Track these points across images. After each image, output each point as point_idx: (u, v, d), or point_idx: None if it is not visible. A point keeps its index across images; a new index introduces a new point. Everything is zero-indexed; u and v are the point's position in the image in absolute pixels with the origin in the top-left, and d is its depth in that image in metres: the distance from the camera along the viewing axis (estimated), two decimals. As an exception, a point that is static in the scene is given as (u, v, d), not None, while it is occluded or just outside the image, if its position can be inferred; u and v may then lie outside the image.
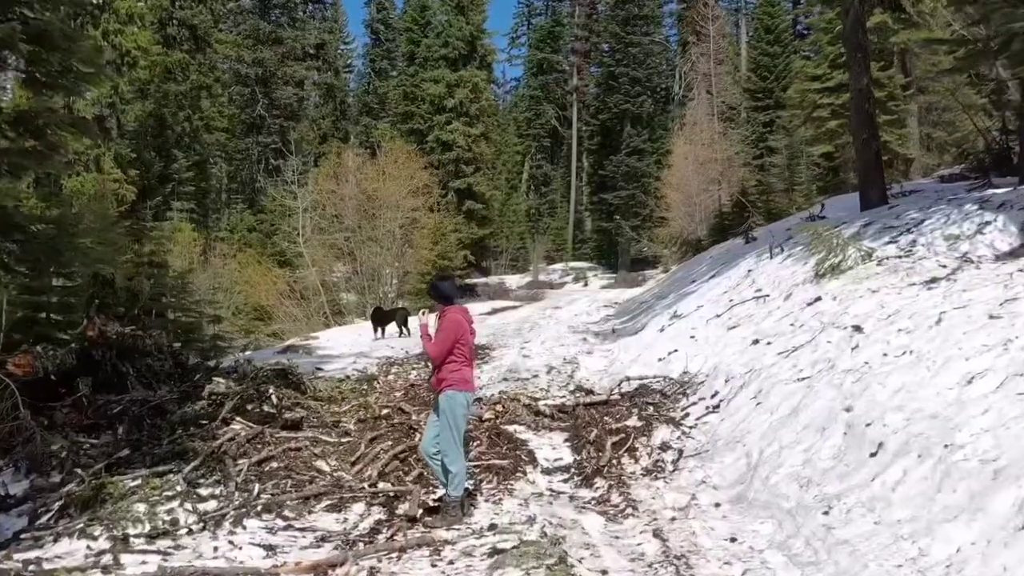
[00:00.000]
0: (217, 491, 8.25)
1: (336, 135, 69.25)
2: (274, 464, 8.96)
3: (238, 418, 10.07)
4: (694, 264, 30.17)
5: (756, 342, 11.85)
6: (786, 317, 12.25)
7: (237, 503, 7.87)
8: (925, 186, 23.86)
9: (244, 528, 7.43)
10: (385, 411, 11.57)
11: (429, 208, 43.87)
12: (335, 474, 8.98)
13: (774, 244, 17.30)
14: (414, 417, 11.08)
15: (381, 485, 8.69)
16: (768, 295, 14.14)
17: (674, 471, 9.08)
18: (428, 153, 51.18)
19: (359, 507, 8.14)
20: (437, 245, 44.40)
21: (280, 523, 7.65)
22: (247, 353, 26.83)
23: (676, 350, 13.89)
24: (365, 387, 14.64)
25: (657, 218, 55.81)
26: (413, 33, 62.44)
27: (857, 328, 9.87)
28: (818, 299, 12.08)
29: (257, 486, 8.23)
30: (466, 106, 55.12)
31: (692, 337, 14.30)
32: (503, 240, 68.55)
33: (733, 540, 6.88)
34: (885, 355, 8.78)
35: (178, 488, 8.19)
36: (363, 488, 8.50)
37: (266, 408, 11.13)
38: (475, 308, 38.13)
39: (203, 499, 8.05)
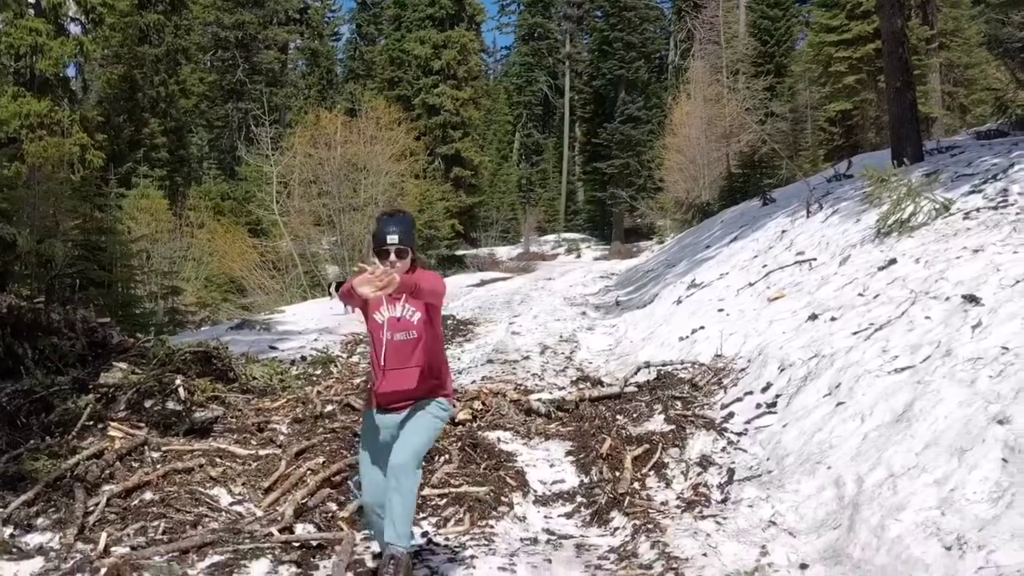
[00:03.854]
0: (51, 540, 5.53)
1: (323, 104, 66.54)
2: (148, 495, 6.20)
3: (114, 423, 7.32)
4: (703, 230, 27.43)
5: (814, 317, 9.11)
6: (850, 285, 9.52)
7: (72, 564, 5.12)
8: (963, 143, 21.22)
9: (66, 612, 4.71)
10: (329, 408, 8.80)
11: (414, 175, 41.23)
12: (235, 509, 6.23)
13: (810, 200, 14.56)
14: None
15: (299, 529, 5.94)
16: (815, 259, 11.43)
17: (725, 502, 6.34)
18: (415, 119, 48.43)
19: (261, 566, 5.34)
20: (423, 213, 41.73)
21: (129, 600, 4.91)
22: (204, 328, 24.23)
23: (702, 327, 11.17)
24: (319, 372, 11.97)
25: (652, 187, 53.34)
26: (400, -5, 59.38)
27: (971, 299, 7.12)
28: (892, 262, 9.35)
29: (104, 534, 5.45)
30: (453, 68, 52.32)
31: (720, 310, 11.59)
32: (493, 211, 65.96)
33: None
34: (1034, 337, 6.07)
35: (-4, 535, 5.51)
36: (271, 534, 5.73)
37: (171, 405, 8.41)
38: (463, 280, 35.85)
39: (25, 555, 5.32)
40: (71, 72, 41.18)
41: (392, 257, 4.66)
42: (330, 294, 21.95)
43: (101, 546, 5.33)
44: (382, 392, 4.81)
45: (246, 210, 45.23)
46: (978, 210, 9.70)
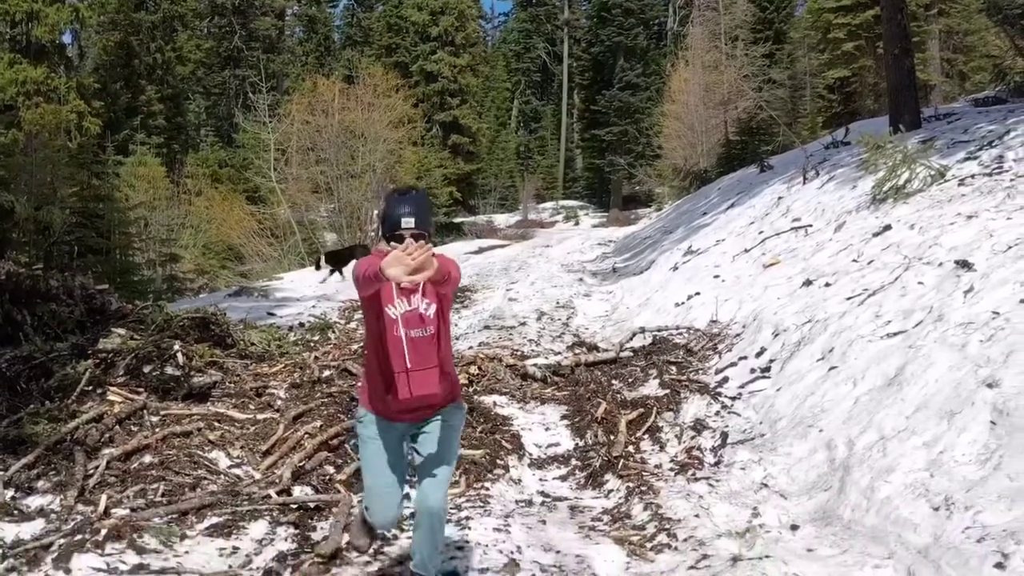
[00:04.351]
0: (52, 502, 5.61)
1: (321, 71, 66.28)
2: (147, 458, 6.27)
3: (113, 388, 7.38)
4: (700, 197, 27.41)
5: (809, 283, 9.17)
6: (845, 251, 9.57)
7: (72, 525, 5.20)
8: (961, 110, 21.16)
9: (68, 572, 4.76)
10: (326, 373, 8.87)
11: (412, 142, 41.13)
12: (234, 471, 6.31)
13: (807, 166, 14.57)
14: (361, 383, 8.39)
15: (297, 491, 6.02)
16: (810, 225, 11.47)
17: (718, 465, 6.42)
18: (413, 86, 48.26)
19: (259, 527, 5.44)
20: (421, 180, 41.68)
21: (129, 560, 4.95)
22: (202, 295, 24.31)
23: (698, 292, 11.24)
24: (317, 338, 12.02)
25: (651, 155, 53.15)
26: (398, -41, 59.02)
27: (964, 264, 7.17)
28: (887, 228, 9.38)
29: (104, 497, 5.52)
30: (451, 34, 52.21)
31: (716, 277, 11.64)
32: (491, 178, 65.86)
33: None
34: (1024, 302, 6.13)
35: (-4, 497, 5.57)
36: (269, 496, 5.81)
37: (170, 370, 8.46)
38: (461, 247, 35.80)
39: (26, 516, 5.40)
40: (67, 39, 41.07)
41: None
42: (318, 266, 21.68)
43: (101, 508, 5.41)
44: (404, 399, 4.09)
45: (244, 177, 45.18)
46: (973, 176, 9.71)
